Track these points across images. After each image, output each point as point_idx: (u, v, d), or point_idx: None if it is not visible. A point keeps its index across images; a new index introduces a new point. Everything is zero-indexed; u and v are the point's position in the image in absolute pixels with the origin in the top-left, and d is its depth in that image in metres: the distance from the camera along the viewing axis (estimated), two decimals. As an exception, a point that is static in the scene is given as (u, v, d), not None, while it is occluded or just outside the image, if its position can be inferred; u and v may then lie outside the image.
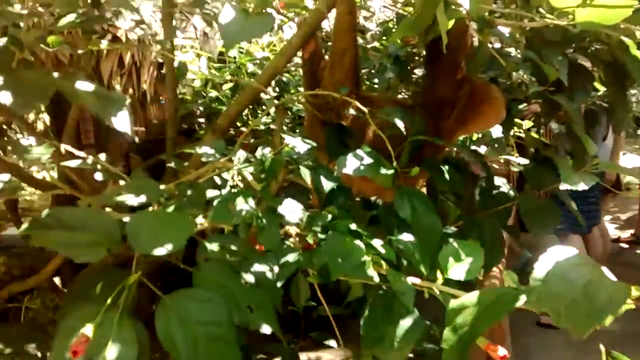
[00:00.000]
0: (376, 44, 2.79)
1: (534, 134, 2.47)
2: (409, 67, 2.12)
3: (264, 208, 1.31)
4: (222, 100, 3.61)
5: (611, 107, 1.63)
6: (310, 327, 2.55)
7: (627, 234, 5.80)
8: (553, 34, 1.51)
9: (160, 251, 0.96)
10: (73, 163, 1.29)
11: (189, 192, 1.26)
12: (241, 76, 3.52)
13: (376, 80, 2.35)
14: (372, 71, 2.18)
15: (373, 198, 1.81)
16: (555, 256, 0.86)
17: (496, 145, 2.75)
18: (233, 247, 1.16)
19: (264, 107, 3.42)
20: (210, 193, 1.41)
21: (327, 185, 1.43)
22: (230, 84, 3.52)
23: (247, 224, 1.27)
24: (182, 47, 4.16)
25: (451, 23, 1.40)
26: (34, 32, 1.59)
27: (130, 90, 5.02)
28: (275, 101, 3.00)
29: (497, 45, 1.79)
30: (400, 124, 1.41)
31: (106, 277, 1.01)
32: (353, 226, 1.25)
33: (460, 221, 1.70)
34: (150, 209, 1.20)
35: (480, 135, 2.62)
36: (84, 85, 1.05)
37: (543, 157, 2.00)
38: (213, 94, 3.62)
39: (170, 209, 1.20)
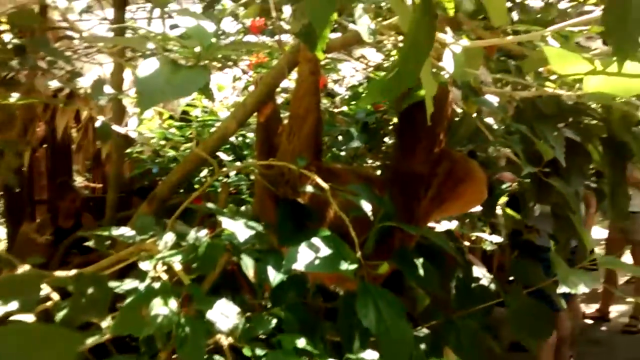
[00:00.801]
0: (345, 108, 2.58)
1: (511, 212, 2.25)
2: (378, 135, 1.89)
3: (190, 311, 1.02)
4: (179, 161, 3.35)
5: (610, 190, 1.41)
6: None
7: (592, 309, 5.62)
8: (547, 105, 1.29)
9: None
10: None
11: (90, 290, 0.97)
12: (203, 136, 3.29)
13: (343, 149, 2.13)
14: (340, 137, 1.94)
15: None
16: None
17: (467, 221, 2.54)
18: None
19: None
20: (130, 284, 1.12)
21: (275, 278, 1.15)
22: (191, 144, 3.28)
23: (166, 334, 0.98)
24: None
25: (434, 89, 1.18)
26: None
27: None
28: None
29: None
30: (367, 207, 1.15)
31: None
32: (301, 342, 0.96)
33: (433, 320, 1.43)
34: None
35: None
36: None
37: (524, 243, 1.77)
38: (172, 153, 3.37)
39: (61, 314, 0.91)
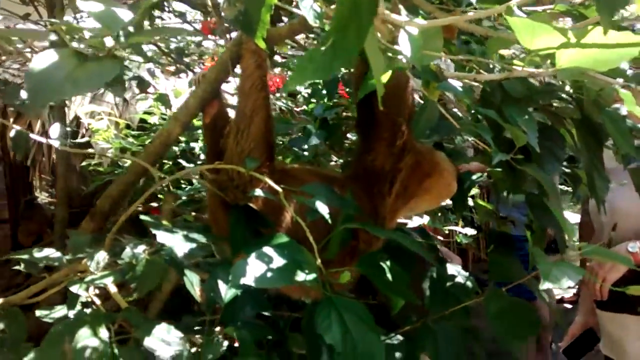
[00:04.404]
0: (305, 107, 2.46)
1: (484, 203, 2.16)
2: (339, 131, 1.77)
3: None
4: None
5: (588, 174, 1.31)
6: None
7: (569, 293, 5.63)
8: (515, 88, 1.19)
9: None
10: None
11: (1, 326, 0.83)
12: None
13: (305, 148, 2.00)
14: (301, 136, 1.81)
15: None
16: None
17: (439, 214, 2.44)
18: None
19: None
20: (59, 312, 0.98)
21: (227, 294, 1.03)
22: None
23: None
24: (97, 114, 3.77)
25: (387, 76, 1.07)
26: None
27: (44, 159, 4.54)
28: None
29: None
30: (323, 208, 1.03)
31: None
32: (253, 368, 0.84)
33: (407, 325, 1.32)
34: None
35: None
36: None
37: (499, 236, 1.67)
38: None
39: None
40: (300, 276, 0.96)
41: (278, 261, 0.96)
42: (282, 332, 1.20)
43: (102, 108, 3.70)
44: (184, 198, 2.73)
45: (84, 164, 3.27)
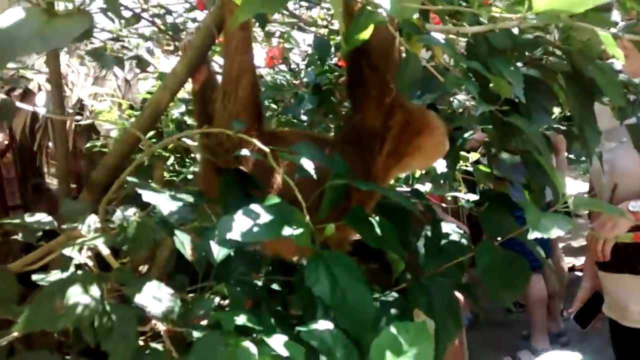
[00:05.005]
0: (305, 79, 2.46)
1: (483, 167, 2.15)
2: (331, 96, 1.77)
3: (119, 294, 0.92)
4: (142, 150, 3.22)
5: (579, 127, 1.30)
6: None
7: (581, 261, 5.62)
8: (500, 39, 1.18)
9: None
10: None
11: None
12: (166, 124, 3.16)
13: (302, 117, 2.01)
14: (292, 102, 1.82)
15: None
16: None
17: (442, 182, 2.44)
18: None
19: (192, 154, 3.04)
20: (55, 276, 1.00)
21: (219, 252, 1.04)
22: (152, 132, 3.16)
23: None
24: (100, 95, 3.79)
25: (369, 32, 1.07)
26: None
27: (51, 144, 4.58)
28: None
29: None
30: (308, 164, 1.04)
31: None
32: (241, 319, 0.86)
33: (402, 284, 1.33)
34: None
35: (423, 172, 2.30)
36: None
37: (496, 195, 1.67)
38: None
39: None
40: (287, 231, 0.97)
41: (265, 217, 0.98)
42: (276, 293, 1.22)
43: (105, 90, 3.72)
44: (189, 177, 2.76)
45: (88, 145, 3.30)
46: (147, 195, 0.99)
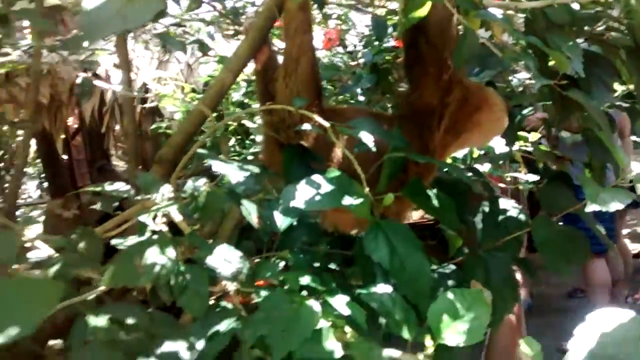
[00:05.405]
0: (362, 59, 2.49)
1: (543, 147, 2.14)
2: (389, 76, 1.80)
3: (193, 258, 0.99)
4: (204, 132, 3.34)
5: (640, 103, 1.30)
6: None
7: (646, 248, 5.43)
8: (559, 14, 1.18)
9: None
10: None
11: (81, 245, 0.94)
12: (226, 106, 3.26)
13: (360, 93, 2.04)
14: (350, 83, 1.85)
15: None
16: (598, 326, 0.53)
17: (501, 162, 2.42)
18: (131, 320, 0.83)
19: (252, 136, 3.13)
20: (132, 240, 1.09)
21: (283, 222, 1.10)
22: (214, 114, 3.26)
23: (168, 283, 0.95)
24: (164, 79, 3.93)
25: (426, 9, 1.09)
26: None
27: (117, 127, 4.77)
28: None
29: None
30: (367, 138, 1.08)
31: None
32: (305, 279, 0.91)
33: (460, 257, 1.36)
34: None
35: (482, 152, 2.29)
36: None
37: (556, 174, 1.66)
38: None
39: (53, 269, 0.88)
40: (348, 200, 1.02)
41: (326, 187, 1.03)
42: (330, 261, 1.27)
43: (168, 74, 3.86)
44: (249, 157, 2.84)
45: (153, 126, 3.44)
46: (216, 165, 1.06)
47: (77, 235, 0.96)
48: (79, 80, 1.38)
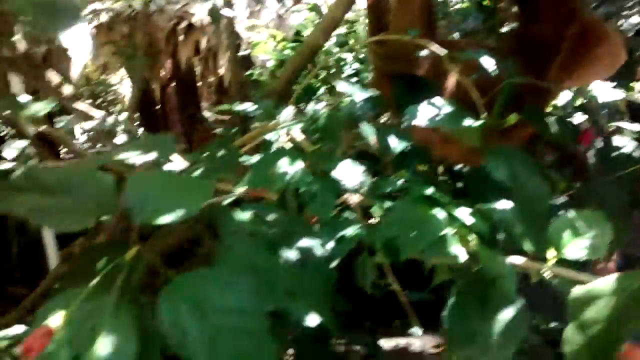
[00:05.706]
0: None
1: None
2: (495, 13, 1.77)
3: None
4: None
5: None
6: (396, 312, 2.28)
7: None
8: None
9: (166, 219, 0.71)
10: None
11: (220, 153, 1.01)
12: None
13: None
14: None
15: (459, 166, 1.50)
16: None
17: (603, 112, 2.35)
18: (270, 217, 0.89)
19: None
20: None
21: (398, 146, 1.13)
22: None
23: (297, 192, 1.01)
24: (255, 27, 4.01)
25: None
26: None
27: (212, 78, 4.94)
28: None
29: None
30: (488, 62, 1.09)
31: (113, 253, 0.77)
32: (430, 191, 0.95)
33: (570, 191, 1.36)
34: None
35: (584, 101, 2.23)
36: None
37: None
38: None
39: (196, 173, 0.96)
40: (468, 121, 1.03)
41: (447, 108, 1.05)
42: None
43: (260, 22, 3.93)
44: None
45: (246, 73, 3.54)
46: (341, 86, 1.10)
47: (215, 145, 1.04)
48: (207, 8, 1.44)
